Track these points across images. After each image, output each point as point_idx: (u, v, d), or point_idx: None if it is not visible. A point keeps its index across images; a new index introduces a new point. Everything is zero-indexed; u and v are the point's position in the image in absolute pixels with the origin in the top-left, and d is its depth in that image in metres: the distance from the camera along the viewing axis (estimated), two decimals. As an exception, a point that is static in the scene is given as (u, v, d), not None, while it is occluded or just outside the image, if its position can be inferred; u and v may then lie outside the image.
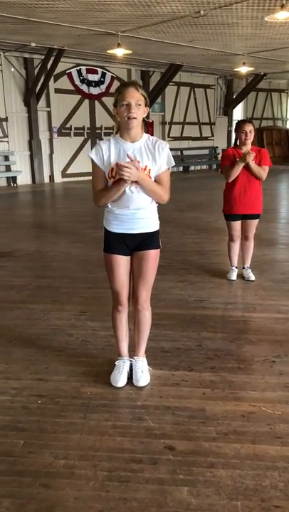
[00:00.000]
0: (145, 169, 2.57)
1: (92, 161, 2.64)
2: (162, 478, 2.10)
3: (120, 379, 2.85)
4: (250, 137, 4.41)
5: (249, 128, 4.39)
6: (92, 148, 2.93)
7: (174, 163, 2.70)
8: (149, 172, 2.59)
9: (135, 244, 2.73)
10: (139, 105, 2.52)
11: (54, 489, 2.04)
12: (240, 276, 4.88)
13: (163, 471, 2.14)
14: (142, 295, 2.81)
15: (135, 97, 2.50)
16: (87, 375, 2.96)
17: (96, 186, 2.67)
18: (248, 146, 4.46)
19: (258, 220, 4.71)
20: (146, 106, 2.57)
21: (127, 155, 2.52)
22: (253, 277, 4.78)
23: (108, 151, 2.60)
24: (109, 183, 2.63)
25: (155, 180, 2.64)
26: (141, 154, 2.58)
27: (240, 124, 4.48)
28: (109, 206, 2.69)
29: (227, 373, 2.98)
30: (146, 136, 2.64)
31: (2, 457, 2.23)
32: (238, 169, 4.42)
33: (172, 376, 2.95)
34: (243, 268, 4.88)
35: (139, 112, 2.52)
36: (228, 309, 4.11)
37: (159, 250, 2.81)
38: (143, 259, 2.74)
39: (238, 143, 4.55)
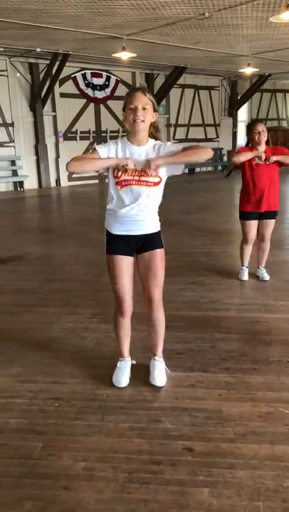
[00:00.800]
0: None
1: (95, 150, 2.64)
2: (182, 479, 2.10)
3: (122, 379, 2.87)
4: (264, 136, 4.43)
5: (261, 127, 4.43)
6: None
7: (178, 144, 2.74)
8: (157, 172, 2.62)
9: (137, 246, 2.75)
10: (146, 109, 2.57)
11: (75, 491, 2.04)
12: (253, 276, 4.87)
13: (183, 473, 2.14)
14: (155, 295, 2.81)
15: (142, 101, 2.56)
16: (102, 378, 2.97)
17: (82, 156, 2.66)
18: (262, 146, 4.47)
19: (274, 220, 4.71)
20: (154, 111, 2.62)
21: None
22: (267, 277, 4.79)
23: (116, 152, 2.64)
24: (113, 182, 2.64)
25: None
26: (147, 157, 2.62)
27: (252, 124, 4.53)
28: (113, 207, 2.70)
29: (242, 374, 2.98)
30: (152, 141, 2.69)
31: (22, 460, 2.24)
32: (251, 154, 4.42)
33: (187, 378, 2.96)
34: (258, 268, 4.87)
35: (146, 115, 2.57)
36: (241, 310, 4.10)
37: (163, 250, 2.81)
38: (150, 259, 2.76)
39: (250, 144, 4.56)
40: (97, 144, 2.72)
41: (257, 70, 15.31)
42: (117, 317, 2.89)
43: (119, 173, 2.60)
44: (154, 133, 2.70)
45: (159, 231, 2.80)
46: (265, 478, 2.09)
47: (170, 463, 2.20)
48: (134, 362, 3.01)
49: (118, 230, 2.73)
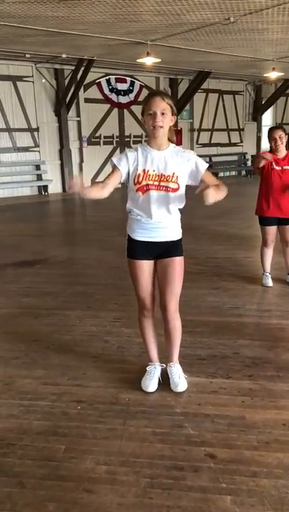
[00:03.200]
0: (173, 176, 2.62)
1: (115, 167, 2.67)
2: (205, 486, 2.08)
3: (151, 384, 2.87)
4: (282, 142, 4.44)
5: (278, 134, 4.44)
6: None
7: (206, 164, 2.73)
8: (177, 178, 2.63)
9: (158, 252, 2.76)
10: (165, 114, 2.57)
11: (97, 495, 2.05)
12: (276, 282, 4.81)
13: (205, 479, 2.12)
14: (171, 304, 2.80)
15: (160, 106, 2.56)
16: (124, 382, 2.97)
17: (104, 181, 2.68)
18: (281, 152, 4.47)
19: None
20: (173, 115, 2.63)
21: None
22: None
23: (136, 160, 2.64)
24: (134, 188, 2.65)
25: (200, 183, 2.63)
26: (166, 162, 2.63)
27: (269, 131, 4.58)
28: (135, 213, 2.72)
29: (266, 381, 2.94)
30: (172, 145, 2.70)
31: (45, 462, 2.26)
32: (262, 161, 4.42)
33: (210, 384, 2.94)
34: (288, 274, 4.82)
35: (164, 120, 2.57)
36: (264, 316, 4.06)
37: (183, 258, 2.81)
38: (169, 267, 2.76)
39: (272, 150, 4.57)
40: (115, 157, 2.72)
41: (282, 74, 15.16)
42: (141, 320, 2.91)
43: (140, 178, 2.62)
44: (169, 135, 2.69)
45: (180, 239, 2.80)
46: (289, 487, 2.06)
47: (192, 469, 2.19)
48: (164, 366, 2.99)
49: (140, 235, 2.74)
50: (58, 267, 5.83)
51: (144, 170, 2.62)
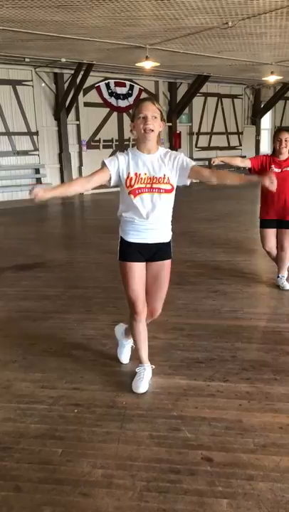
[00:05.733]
0: (164, 177, 2.68)
1: (105, 165, 2.68)
2: (201, 489, 2.08)
3: (141, 385, 2.89)
4: (286, 146, 4.44)
5: (285, 136, 4.43)
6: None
7: (194, 162, 2.77)
8: (168, 180, 2.68)
9: (150, 254, 2.80)
10: (155, 118, 2.63)
11: (93, 498, 2.05)
12: (274, 286, 4.82)
13: (201, 483, 2.12)
14: (159, 306, 2.94)
15: (151, 110, 2.62)
16: (121, 385, 2.97)
17: (89, 175, 2.71)
18: (284, 155, 4.48)
19: None
20: (162, 120, 2.68)
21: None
22: (288, 286, 4.73)
23: (127, 164, 2.68)
24: (126, 191, 2.69)
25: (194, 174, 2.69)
26: (158, 165, 2.68)
27: (277, 132, 4.59)
28: (128, 215, 2.75)
29: (263, 384, 2.94)
30: (162, 148, 2.75)
31: (42, 465, 2.26)
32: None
33: (207, 387, 2.94)
34: (278, 277, 4.82)
35: (155, 124, 2.63)
36: (262, 320, 4.06)
37: (170, 261, 2.90)
38: (159, 269, 2.83)
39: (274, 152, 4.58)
40: (106, 158, 2.76)
41: (281, 77, 15.24)
42: (132, 323, 2.92)
43: (132, 181, 2.65)
44: (156, 140, 2.72)
45: (170, 241, 2.86)
46: (285, 491, 2.06)
47: (189, 472, 2.19)
48: (154, 367, 3.01)
49: (133, 237, 2.78)
50: (56, 271, 5.83)
51: (136, 173, 2.66)
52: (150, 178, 2.66)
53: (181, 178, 2.72)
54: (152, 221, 2.71)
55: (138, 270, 2.80)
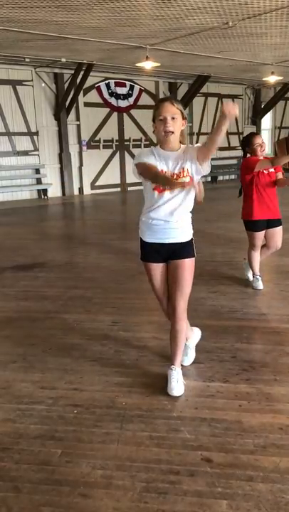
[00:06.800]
0: (184, 171, 2.68)
1: (141, 162, 2.68)
2: (200, 490, 2.08)
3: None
4: (264, 149, 4.51)
5: (261, 140, 4.51)
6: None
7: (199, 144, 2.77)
8: (188, 172, 2.69)
9: (168, 253, 2.82)
10: (175, 119, 2.63)
11: (92, 499, 2.04)
12: (273, 286, 4.82)
13: (201, 484, 2.12)
14: (180, 305, 2.86)
15: (171, 111, 2.62)
16: (121, 386, 2.97)
17: (148, 166, 2.66)
18: (261, 157, 4.54)
19: (281, 226, 4.71)
20: (183, 119, 2.69)
21: None
22: (261, 286, 4.78)
23: (155, 159, 2.70)
24: (151, 187, 2.71)
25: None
26: (180, 160, 2.69)
27: (253, 137, 4.55)
28: (146, 217, 2.79)
29: (263, 385, 2.94)
30: (183, 146, 2.75)
31: (41, 466, 2.26)
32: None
33: (207, 388, 2.93)
34: (254, 276, 4.86)
35: (175, 125, 2.64)
36: (262, 320, 4.06)
37: (193, 259, 2.88)
38: (178, 268, 2.82)
39: (248, 155, 4.59)
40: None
41: (281, 78, 15.23)
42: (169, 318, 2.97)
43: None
44: (180, 139, 2.75)
45: (191, 239, 2.88)
46: (285, 492, 2.05)
47: (188, 473, 2.18)
48: (178, 369, 2.95)
49: (149, 237, 2.83)
50: (56, 271, 5.83)
51: (161, 170, 2.68)
52: (172, 174, 2.68)
53: (195, 166, 2.68)
54: (167, 220, 2.74)
55: (158, 270, 2.86)
